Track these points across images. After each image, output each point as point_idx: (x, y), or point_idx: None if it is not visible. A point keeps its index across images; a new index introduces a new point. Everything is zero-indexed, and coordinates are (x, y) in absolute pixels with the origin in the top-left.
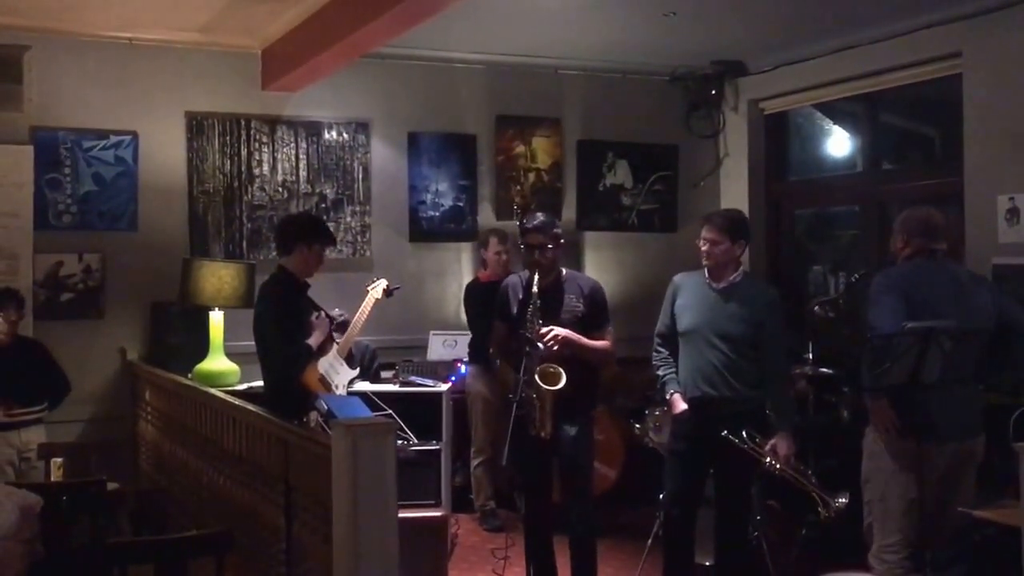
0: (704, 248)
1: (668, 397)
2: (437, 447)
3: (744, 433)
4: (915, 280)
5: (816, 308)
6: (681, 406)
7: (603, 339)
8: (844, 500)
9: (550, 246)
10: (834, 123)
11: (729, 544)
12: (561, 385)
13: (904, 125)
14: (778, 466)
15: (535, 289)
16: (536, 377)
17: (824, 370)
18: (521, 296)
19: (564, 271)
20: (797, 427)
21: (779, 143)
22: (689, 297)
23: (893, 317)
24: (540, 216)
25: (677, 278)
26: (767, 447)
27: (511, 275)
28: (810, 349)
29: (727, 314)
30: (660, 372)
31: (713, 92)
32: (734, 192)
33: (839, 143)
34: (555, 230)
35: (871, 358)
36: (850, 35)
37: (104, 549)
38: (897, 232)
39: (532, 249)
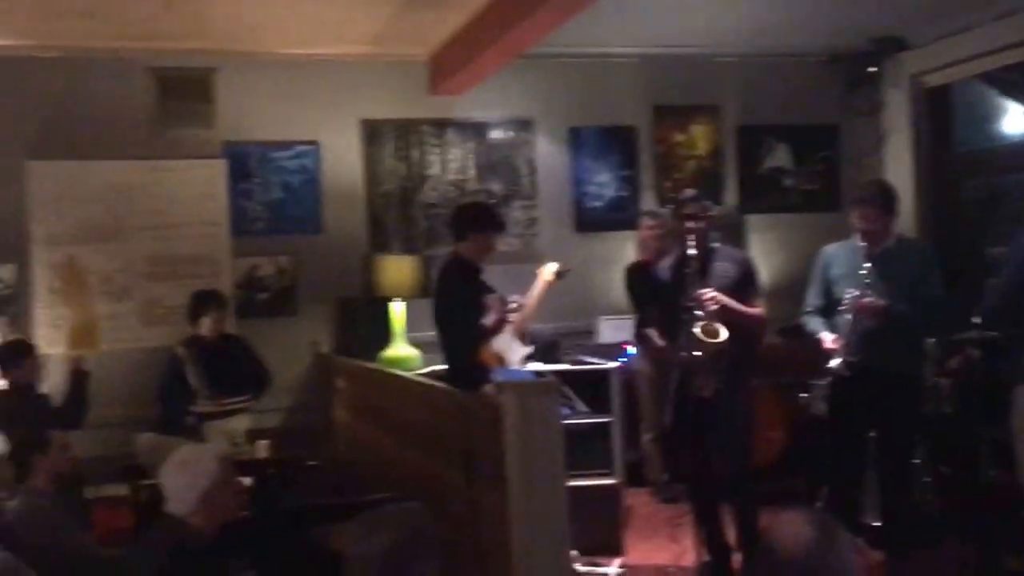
0: (863, 226)
1: (817, 336)
2: (608, 420)
3: None
4: None
5: None
6: (828, 342)
7: (755, 307)
8: None
9: (701, 216)
10: (1000, 92)
11: (894, 505)
12: (722, 339)
13: None
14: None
15: (691, 252)
16: (698, 332)
17: (991, 334)
18: (674, 271)
19: (716, 244)
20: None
21: (942, 116)
22: (843, 267)
23: (1002, 300)
24: (690, 191)
25: (827, 249)
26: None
27: (663, 260)
28: (977, 314)
29: (884, 279)
30: (808, 324)
31: (872, 69)
32: (898, 168)
33: (1006, 113)
34: (705, 203)
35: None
36: (1010, 1)
37: (309, 509)
38: None
39: (685, 220)
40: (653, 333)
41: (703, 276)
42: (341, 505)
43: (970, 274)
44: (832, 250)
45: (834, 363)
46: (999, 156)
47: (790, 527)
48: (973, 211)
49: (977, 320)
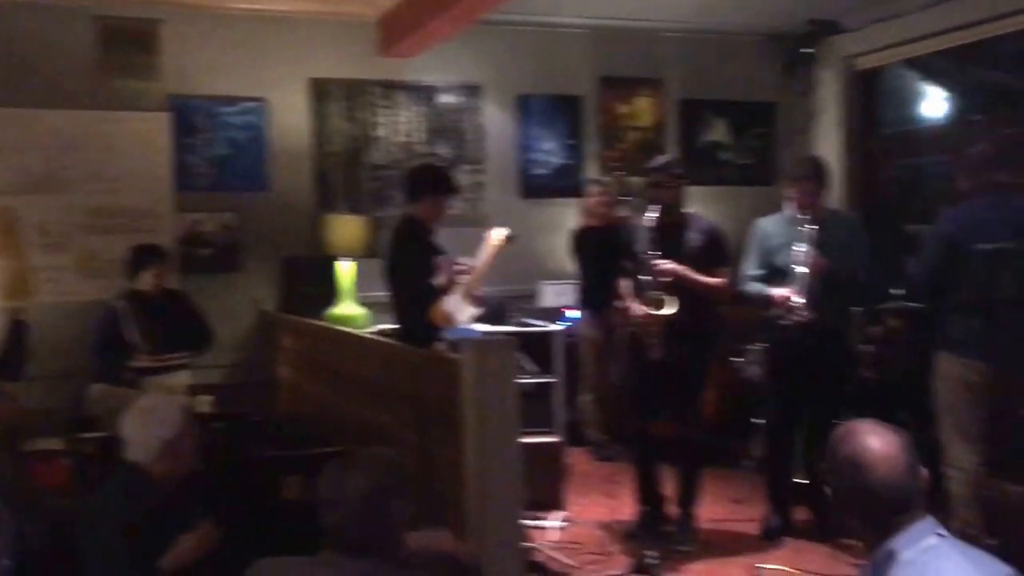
0: (802, 199)
1: (770, 294)
2: (551, 380)
3: None
4: (969, 219)
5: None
6: (785, 293)
7: (719, 277)
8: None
9: (668, 184)
10: (925, 78)
11: (820, 462)
12: (664, 312)
13: (994, 78)
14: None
15: (652, 222)
16: (644, 302)
17: (915, 305)
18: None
19: (690, 211)
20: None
21: (870, 98)
22: (781, 237)
23: (924, 273)
24: (663, 158)
25: (762, 222)
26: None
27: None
28: (898, 286)
29: (818, 248)
30: (751, 288)
31: (808, 50)
32: (828, 147)
33: (929, 97)
34: (676, 170)
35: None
36: None
37: (259, 462)
38: (959, 172)
39: (655, 187)
40: (625, 291)
41: (671, 244)
42: (294, 458)
43: (889, 249)
44: (767, 223)
45: (798, 303)
46: (920, 138)
47: (881, 449)
48: (894, 189)
49: (897, 291)
